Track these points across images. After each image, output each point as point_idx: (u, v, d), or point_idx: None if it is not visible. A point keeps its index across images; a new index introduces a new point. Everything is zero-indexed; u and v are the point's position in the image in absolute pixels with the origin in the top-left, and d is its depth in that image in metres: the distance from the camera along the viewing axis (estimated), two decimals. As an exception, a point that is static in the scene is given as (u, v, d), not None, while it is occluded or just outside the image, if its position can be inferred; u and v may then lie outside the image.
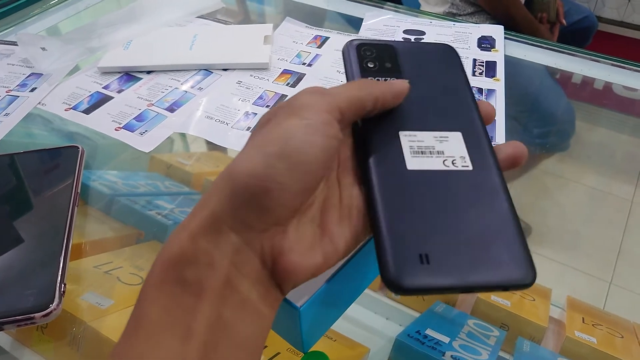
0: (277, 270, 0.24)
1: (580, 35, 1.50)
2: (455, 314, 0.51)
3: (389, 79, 0.31)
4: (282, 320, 0.35)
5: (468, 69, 0.68)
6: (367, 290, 0.43)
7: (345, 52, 0.34)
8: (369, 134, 0.29)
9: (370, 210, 0.27)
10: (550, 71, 0.75)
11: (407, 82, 0.30)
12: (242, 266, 0.24)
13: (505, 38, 0.74)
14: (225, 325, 0.23)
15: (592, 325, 0.50)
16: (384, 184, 0.27)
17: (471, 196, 0.27)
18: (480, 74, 0.68)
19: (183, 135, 0.66)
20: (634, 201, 0.61)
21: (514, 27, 1.27)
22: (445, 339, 0.46)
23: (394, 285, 0.24)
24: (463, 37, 0.74)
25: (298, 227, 0.25)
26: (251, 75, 0.71)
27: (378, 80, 0.31)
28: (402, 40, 0.35)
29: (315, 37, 0.78)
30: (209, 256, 0.23)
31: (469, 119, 0.30)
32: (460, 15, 1.32)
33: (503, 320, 0.50)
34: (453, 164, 0.28)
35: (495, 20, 1.30)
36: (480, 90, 0.65)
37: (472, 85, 0.33)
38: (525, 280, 0.25)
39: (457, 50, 0.35)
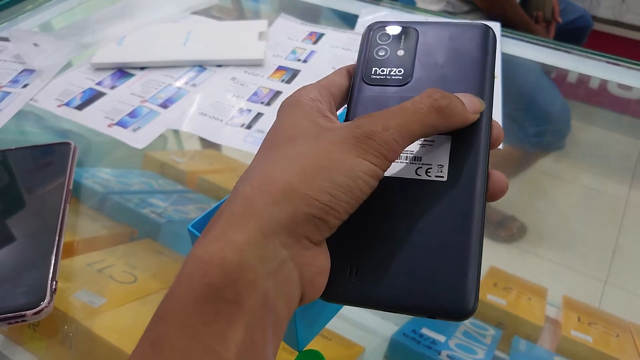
0: (307, 288, 0.23)
1: (575, 35, 1.50)
2: (450, 313, 0.51)
3: (394, 69, 0.29)
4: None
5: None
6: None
7: (362, 37, 0.31)
8: None
9: None
10: (546, 69, 0.75)
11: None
12: (283, 283, 0.22)
13: (501, 35, 0.74)
14: (255, 349, 0.21)
15: (588, 324, 0.50)
16: None
17: (430, 211, 0.25)
18: (477, 71, 0.68)
19: (177, 132, 0.65)
20: (628, 200, 0.61)
21: (509, 27, 1.28)
22: (441, 338, 0.46)
23: (323, 296, 0.24)
24: (459, 34, 0.74)
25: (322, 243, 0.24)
26: (246, 72, 0.70)
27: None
28: (433, 22, 0.31)
29: (311, 34, 0.78)
30: (253, 273, 0.21)
31: (472, 125, 0.27)
32: (455, 13, 1.32)
33: (499, 319, 0.50)
34: (426, 173, 0.26)
35: (491, 19, 1.30)
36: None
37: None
38: (455, 312, 0.22)
39: None
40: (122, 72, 0.71)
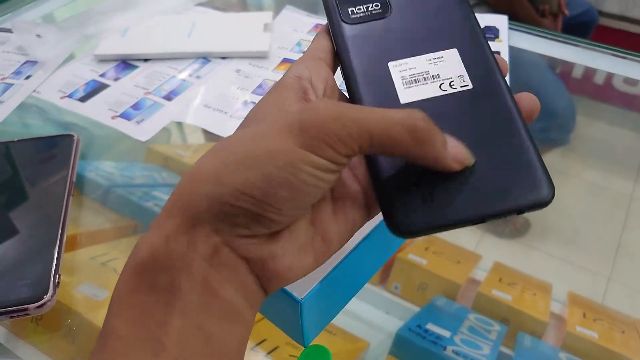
0: (266, 273, 0.22)
1: (581, 29, 1.50)
2: (456, 308, 0.51)
3: (370, 5, 0.29)
4: (282, 313, 0.35)
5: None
6: (366, 284, 0.42)
7: None
8: (355, 72, 0.27)
9: (365, 158, 0.25)
10: (552, 63, 0.74)
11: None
12: (222, 269, 0.21)
13: (509, 28, 0.73)
14: (206, 337, 0.21)
15: (593, 320, 0.50)
16: None
17: (473, 119, 0.25)
18: (484, 64, 0.67)
19: (180, 125, 0.65)
20: (633, 196, 0.61)
21: (517, 21, 1.27)
22: (447, 334, 0.46)
23: (401, 231, 0.23)
24: (466, 27, 0.73)
25: (291, 228, 0.23)
26: (250, 64, 0.70)
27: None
28: None
29: (316, 26, 0.77)
30: (184, 259, 0.21)
31: (466, 34, 0.27)
32: None
33: (504, 314, 0.50)
34: (451, 86, 0.26)
35: (497, 13, 1.30)
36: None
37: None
38: (539, 198, 0.22)
39: None
40: (126, 63, 0.71)
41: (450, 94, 0.25)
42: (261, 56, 0.71)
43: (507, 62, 0.67)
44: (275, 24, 0.77)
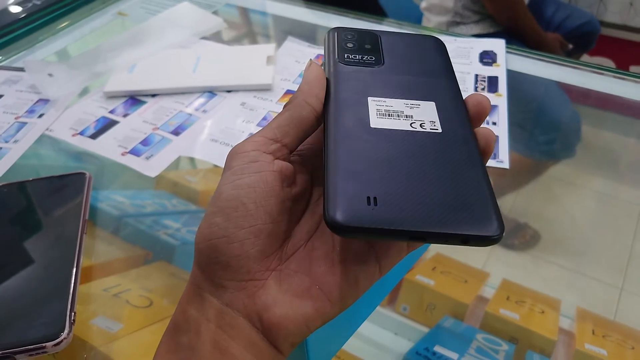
0: (266, 327, 0.24)
1: (583, 40, 1.50)
2: (463, 329, 0.51)
3: (366, 56, 0.31)
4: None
5: (470, 85, 0.68)
6: (374, 308, 0.43)
7: (326, 39, 0.33)
8: (337, 102, 0.28)
9: (324, 158, 0.25)
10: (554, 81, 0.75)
11: (317, 64, 0.29)
12: (228, 329, 0.24)
13: (507, 52, 0.74)
14: None
15: (603, 336, 0.50)
16: (342, 136, 0.26)
17: (436, 152, 0.25)
18: (482, 89, 0.68)
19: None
20: (642, 205, 0.61)
21: (519, 34, 1.28)
22: (454, 356, 0.46)
23: (334, 224, 0.22)
24: (464, 52, 0.74)
25: (280, 279, 0.25)
26: (255, 97, 0.71)
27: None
28: (388, 31, 0.34)
29: (318, 56, 0.79)
30: (195, 322, 0.25)
31: (445, 93, 0.29)
32: (464, 23, 1.32)
33: (512, 333, 0.50)
34: (421, 126, 0.27)
35: (500, 27, 1.30)
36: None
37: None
38: (488, 233, 0.22)
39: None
40: (134, 99, 0.72)
41: (418, 131, 0.26)
42: (265, 89, 0.72)
43: (505, 84, 0.68)
44: (278, 56, 0.78)
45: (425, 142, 0.26)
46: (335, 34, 0.33)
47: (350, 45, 0.32)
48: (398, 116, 0.27)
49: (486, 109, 0.28)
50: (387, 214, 0.22)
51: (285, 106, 0.28)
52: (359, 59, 0.31)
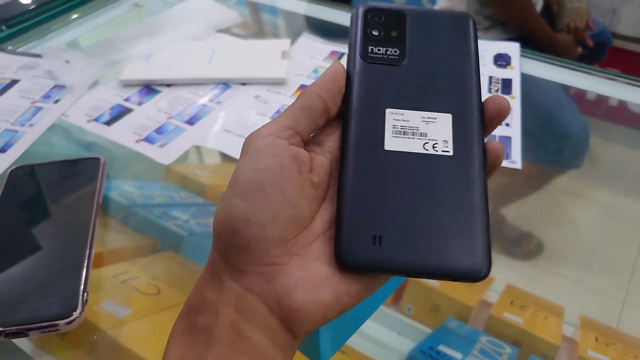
0: (285, 312, 0.24)
1: (596, 50, 1.50)
2: (467, 331, 0.51)
3: (390, 49, 0.31)
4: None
5: (484, 87, 0.68)
6: (380, 306, 0.43)
7: (352, 19, 0.32)
8: (355, 110, 0.29)
9: (338, 187, 0.27)
10: (565, 88, 0.75)
11: (340, 63, 0.29)
12: (246, 312, 0.24)
13: (521, 56, 0.75)
14: None
15: (606, 344, 0.50)
16: (356, 164, 0.27)
17: (442, 183, 0.27)
18: (496, 91, 0.68)
19: (198, 147, 0.67)
20: (647, 219, 0.61)
21: (531, 39, 1.27)
22: (458, 355, 0.46)
23: (341, 262, 0.25)
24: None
25: (302, 265, 0.25)
26: (268, 90, 0.72)
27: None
28: (417, 8, 0.34)
29: (332, 53, 0.79)
30: (213, 305, 0.25)
31: (464, 101, 0.29)
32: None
33: (516, 337, 0.50)
34: (434, 147, 0.27)
35: (512, 34, 1.30)
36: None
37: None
38: (474, 272, 0.25)
39: None
40: (149, 88, 0.73)
41: (430, 154, 0.27)
42: (279, 82, 0.73)
43: (519, 87, 0.68)
44: (293, 51, 0.79)
45: (434, 170, 0.27)
46: (362, 15, 0.32)
47: (375, 33, 0.31)
48: (413, 134, 0.28)
49: (505, 113, 0.29)
50: (389, 254, 0.25)
51: (297, 98, 0.29)
52: (382, 53, 0.31)
